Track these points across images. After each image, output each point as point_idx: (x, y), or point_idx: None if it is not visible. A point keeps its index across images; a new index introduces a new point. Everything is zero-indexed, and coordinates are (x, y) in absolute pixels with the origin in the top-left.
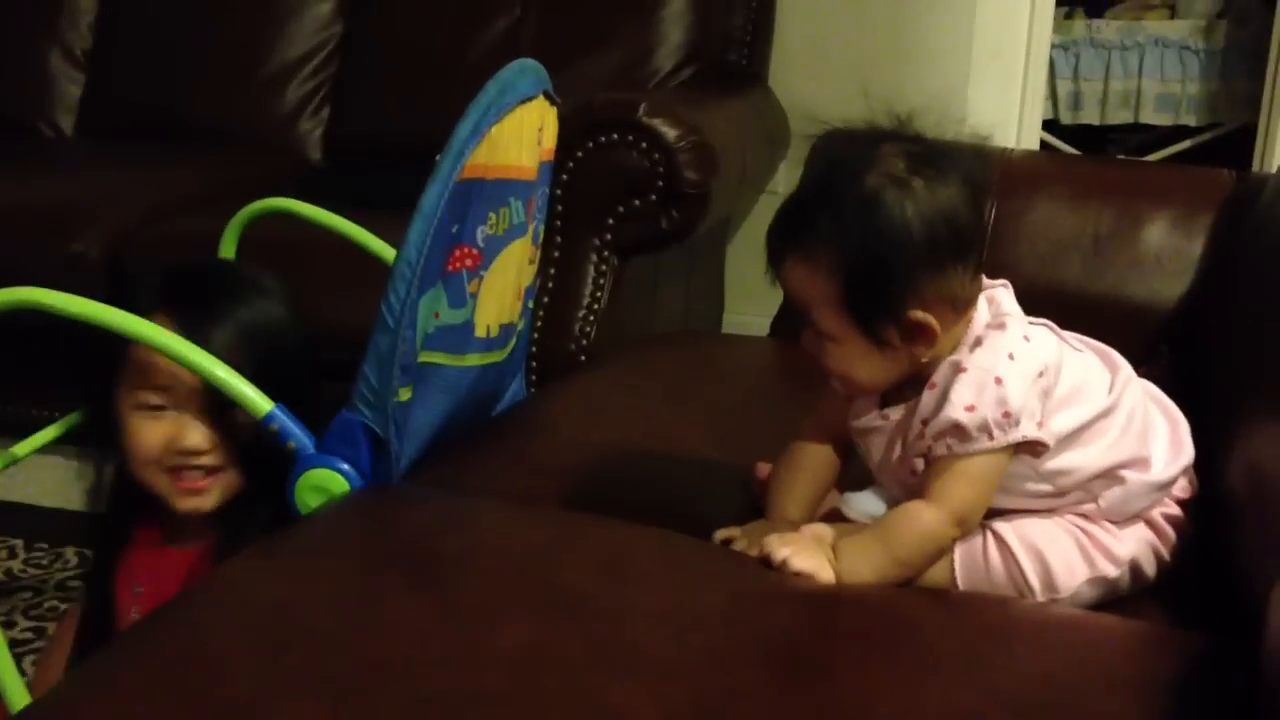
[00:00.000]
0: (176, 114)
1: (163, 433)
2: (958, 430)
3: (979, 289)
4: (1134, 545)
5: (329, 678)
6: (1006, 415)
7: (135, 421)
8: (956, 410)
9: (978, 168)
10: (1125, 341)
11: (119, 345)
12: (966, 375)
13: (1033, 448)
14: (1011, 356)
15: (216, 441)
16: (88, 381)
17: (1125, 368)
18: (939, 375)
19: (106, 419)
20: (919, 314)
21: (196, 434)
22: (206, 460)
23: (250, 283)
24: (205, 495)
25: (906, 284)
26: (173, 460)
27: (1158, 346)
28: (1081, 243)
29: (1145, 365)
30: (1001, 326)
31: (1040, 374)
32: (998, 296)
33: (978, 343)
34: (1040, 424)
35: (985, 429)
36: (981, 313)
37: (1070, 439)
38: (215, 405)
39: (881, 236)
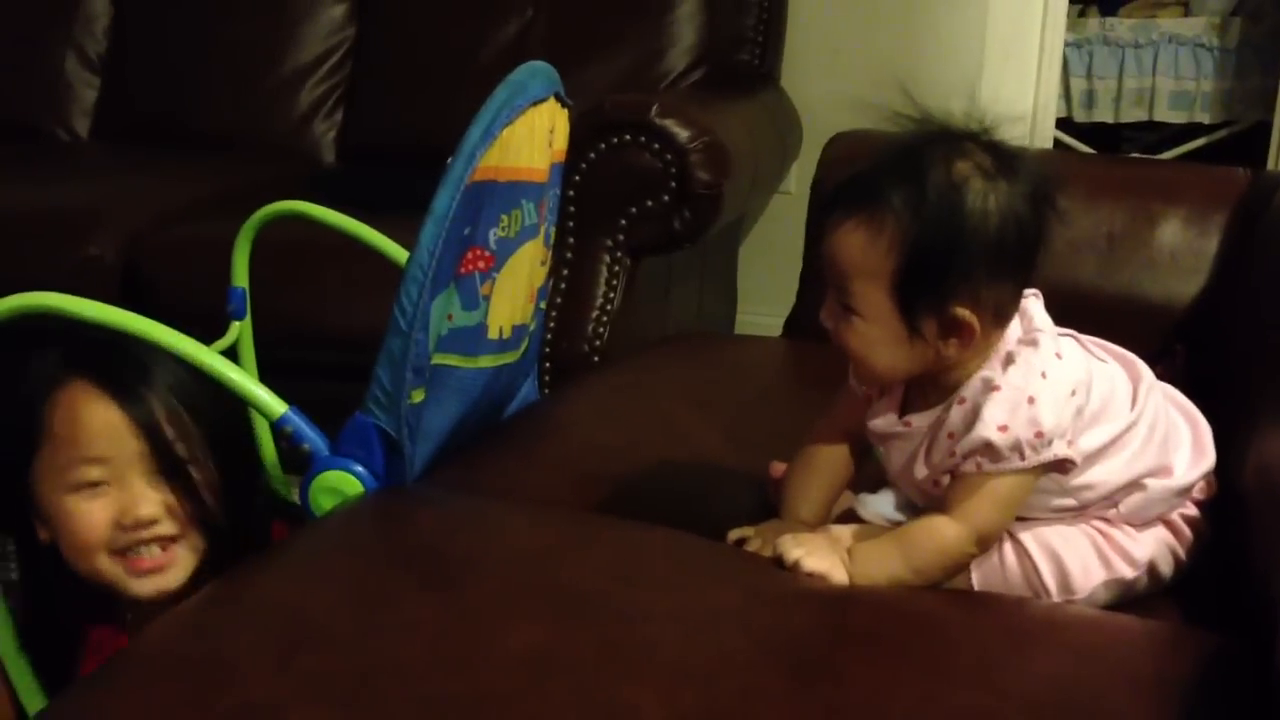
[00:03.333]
0: (191, 118)
1: (107, 510)
2: (989, 450)
3: (1019, 302)
4: (1152, 547)
5: (341, 680)
6: (1039, 435)
7: (70, 504)
8: (989, 429)
9: (1048, 183)
10: (1140, 340)
11: (25, 423)
12: (1000, 394)
13: (1061, 466)
14: (1044, 375)
15: (170, 506)
16: None
17: (1147, 375)
18: (969, 390)
19: (17, 510)
20: (965, 312)
21: (148, 503)
22: (162, 530)
23: (148, 351)
24: (167, 572)
25: (964, 278)
26: (122, 540)
27: (1172, 345)
28: (1095, 241)
29: (1160, 364)
30: (1034, 343)
31: (1073, 393)
32: (1029, 309)
33: (1009, 359)
34: (1070, 442)
35: (1017, 449)
36: (1013, 326)
37: (1095, 454)
38: (165, 464)
39: (958, 223)
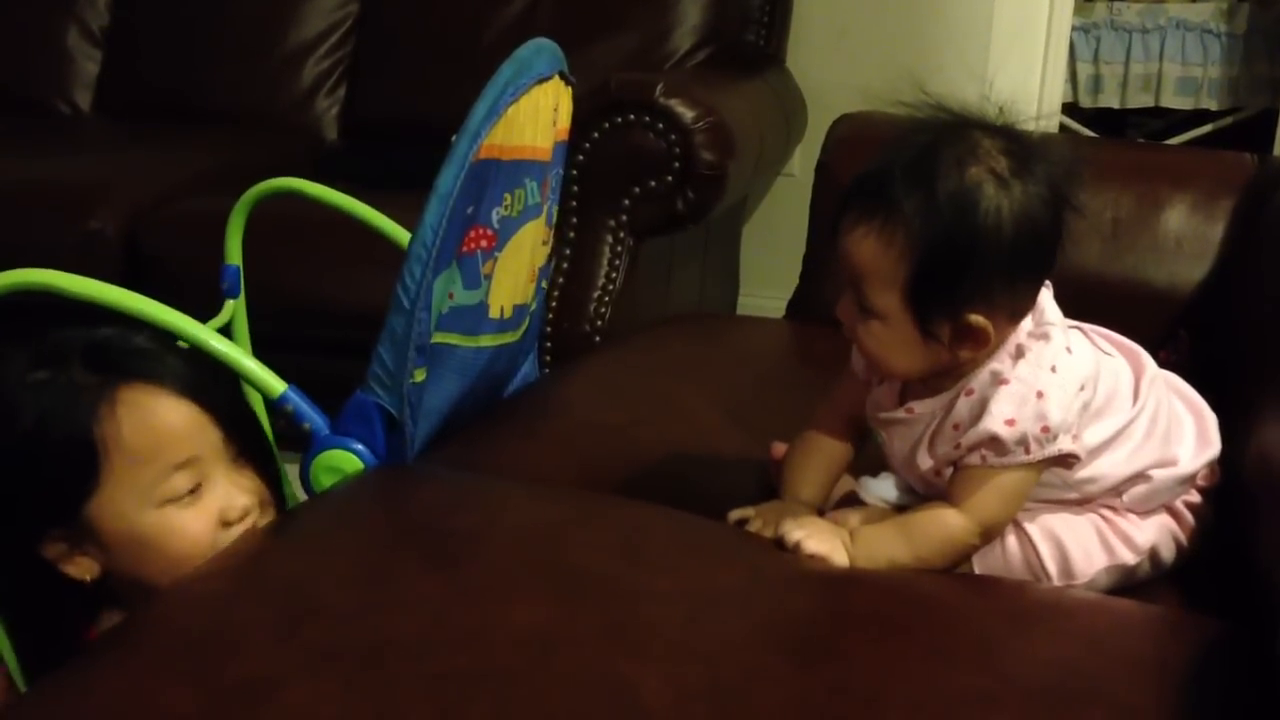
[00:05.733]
0: (193, 93)
1: (208, 515)
2: (995, 443)
3: (1036, 299)
4: (1154, 533)
5: (342, 655)
6: (1046, 430)
7: (167, 520)
8: (996, 423)
9: (1068, 178)
10: (1144, 326)
11: (74, 454)
12: (1008, 388)
13: (1065, 460)
14: (1054, 369)
15: (254, 490)
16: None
17: (1150, 367)
18: (976, 382)
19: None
20: (979, 318)
21: (243, 492)
22: (254, 517)
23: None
24: None
25: (978, 286)
26: (223, 539)
27: (1176, 332)
28: (1100, 227)
29: (1164, 350)
30: (1044, 336)
31: (1081, 388)
32: (1039, 300)
33: (1019, 352)
34: (1075, 437)
35: (1023, 443)
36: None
37: (1099, 448)
38: (242, 446)
39: (971, 233)
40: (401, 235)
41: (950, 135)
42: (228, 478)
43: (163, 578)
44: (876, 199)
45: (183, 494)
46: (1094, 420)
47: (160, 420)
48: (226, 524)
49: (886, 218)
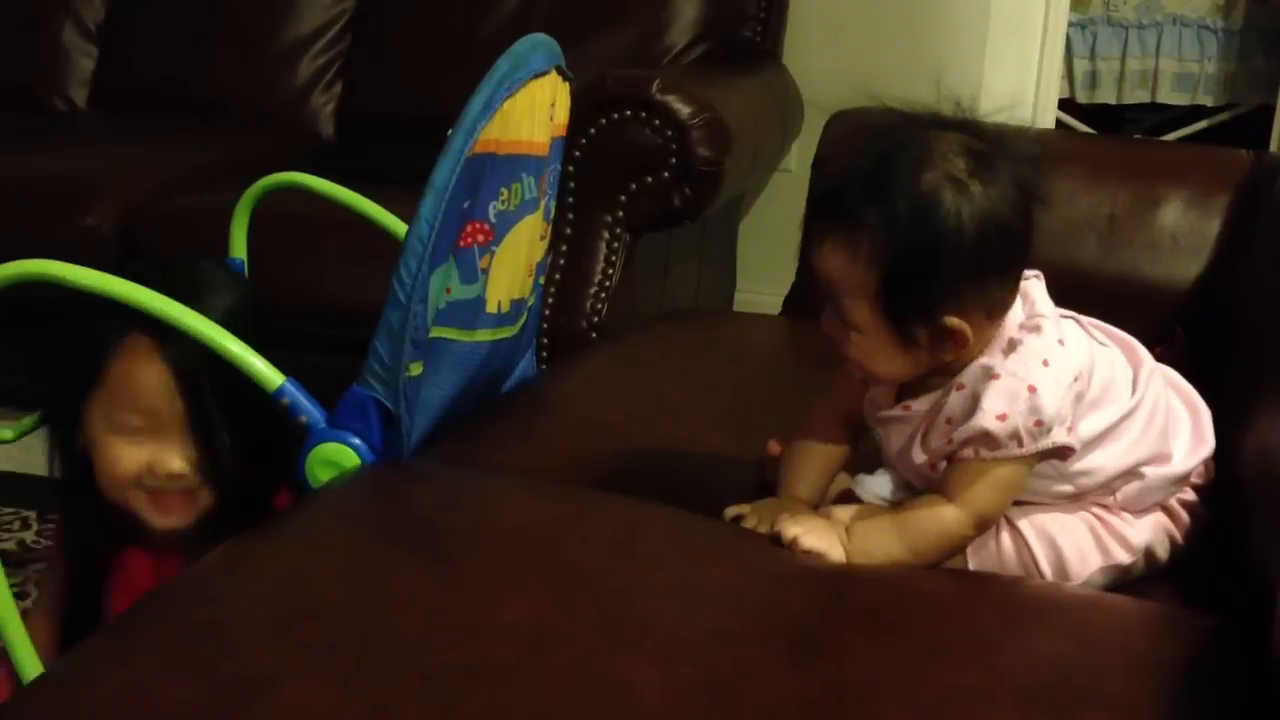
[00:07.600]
0: (189, 88)
1: (142, 457)
2: (987, 438)
3: (1016, 294)
4: (1149, 533)
5: (338, 650)
6: (1039, 424)
7: (112, 443)
8: (988, 419)
9: (1034, 171)
10: (1140, 322)
11: (93, 359)
12: (999, 382)
13: (1060, 452)
14: (1046, 363)
15: (195, 462)
16: (55, 387)
17: (1148, 360)
18: (968, 377)
19: (70, 426)
20: (954, 320)
21: (179, 459)
22: (185, 482)
23: (222, 279)
24: (182, 514)
25: (947, 289)
26: (150, 482)
27: (1172, 327)
28: (1097, 222)
29: (1159, 346)
30: (1036, 329)
31: (1075, 379)
32: (1031, 292)
33: (1011, 346)
34: (1070, 429)
35: (1015, 437)
36: (1014, 311)
37: (1095, 440)
38: (200, 426)
39: (932, 238)
40: (405, 231)
41: (907, 140)
42: (175, 441)
43: (106, 487)
44: (838, 213)
45: (124, 429)
46: (1090, 410)
47: (139, 373)
48: (154, 473)
49: (850, 231)
